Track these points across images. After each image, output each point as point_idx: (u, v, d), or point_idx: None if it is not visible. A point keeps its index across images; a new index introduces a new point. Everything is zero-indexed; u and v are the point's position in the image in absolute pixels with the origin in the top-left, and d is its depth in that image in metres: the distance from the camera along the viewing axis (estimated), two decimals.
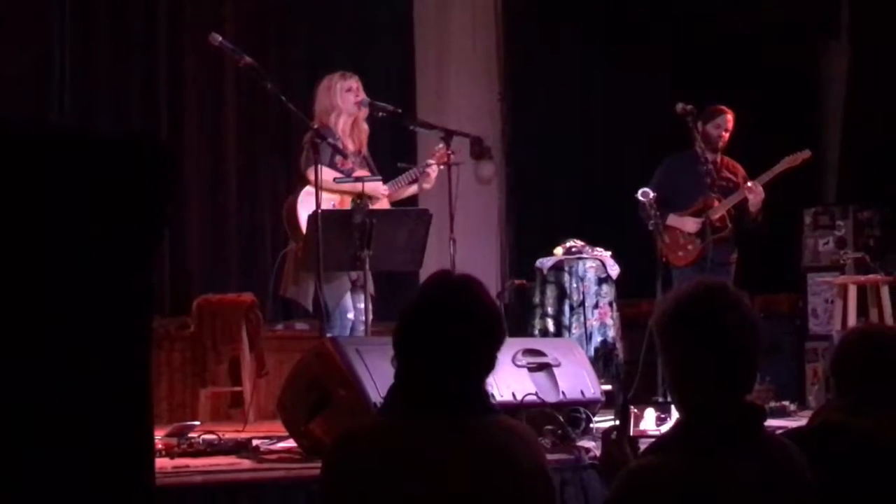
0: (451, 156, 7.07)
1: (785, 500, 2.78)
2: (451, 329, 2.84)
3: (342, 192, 6.89)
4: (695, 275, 7.41)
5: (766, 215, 7.98)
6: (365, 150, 7.20)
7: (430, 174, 7.18)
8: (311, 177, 6.83)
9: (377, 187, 7.02)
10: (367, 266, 6.59)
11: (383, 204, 7.09)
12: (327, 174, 6.70)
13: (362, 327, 6.88)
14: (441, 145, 7.15)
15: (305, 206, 6.81)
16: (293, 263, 6.98)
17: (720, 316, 2.78)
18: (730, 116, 7.95)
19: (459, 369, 2.85)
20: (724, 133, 7.93)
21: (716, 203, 7.80)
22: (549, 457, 4.82)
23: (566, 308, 8.17)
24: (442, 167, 7.09)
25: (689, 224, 7.92)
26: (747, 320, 2.82)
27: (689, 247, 7.93)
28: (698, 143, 7.93)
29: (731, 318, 2.79)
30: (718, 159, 7.98)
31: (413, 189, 7.28)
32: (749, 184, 7.82)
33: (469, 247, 8.58)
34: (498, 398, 5.31)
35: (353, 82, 7.13)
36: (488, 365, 2.90)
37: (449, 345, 2.83)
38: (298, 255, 6.86)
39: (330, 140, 6.77)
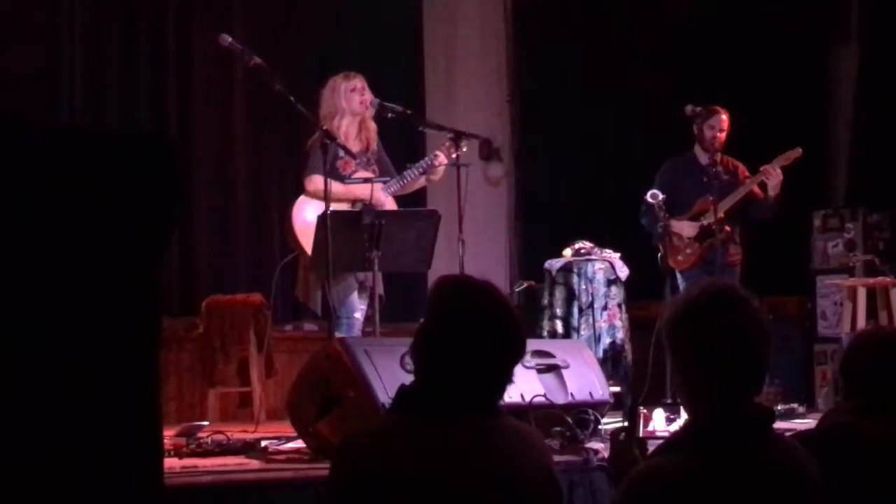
0: (460, 155, 7.05)
1: (793, 503, 2.78)
2: (479, 335, 2.84)
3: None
4: (699, 277, 7.40)
5: (775, 215, 7.97)
6: (374, 147, 7.18)
7: (437, 167, 7.13)
8: (309, 186, 6.89)
9: (378, 196, 6.95)
10: (376, 267, 6.59)
11: (391, 203, 7.09)
12: (323, 184, 6.57)
13: (368, 328, 6.89)
14: (450, 139, 7.13)
15: (299, 215, 6.85)
16: (302, 268, 6.99)
17: (729, 318, 2.78)
18: (724, 116, 7.91)
19: (481, 375, 2.85)
20: (718, 133, 7.89)
21: (713, 205, 7.75)
22: (558, 458, 4.84)
23: (575, 309, 8.17)
24: (453, 156, 7.05)
25: (687, 228, 7.91)
26: (756, 322, 2.81)
27: (688, 250, 7.91)
28: (697, 145, 7.94)
29: (739, 320, 2.79)
30: (718, 159, 7.94)
31: (422, 181, 7.26)
32: (765, 167, 7.77)
33: (478, 248, 8.59)
34: (506, 399, 5.29)
35: (358, 82, 7.12)
36: (507, 374, 2.90)
37: (475, 351, 2.83)
38: (304, 260, 6.86)
39: (339, 140, 6.76)
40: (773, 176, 7.75)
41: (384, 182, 7.02)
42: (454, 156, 7.05)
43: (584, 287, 8.18)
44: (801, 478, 2.81)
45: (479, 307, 2.87)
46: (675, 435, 2.97)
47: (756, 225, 8.08)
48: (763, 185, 7.85)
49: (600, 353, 7.95)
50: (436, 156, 7.12)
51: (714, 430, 2.77)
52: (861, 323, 8.18)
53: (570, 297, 8.20)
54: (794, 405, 7.79)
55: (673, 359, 2.88)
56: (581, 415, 5.84)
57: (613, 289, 8.22)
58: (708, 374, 2.79)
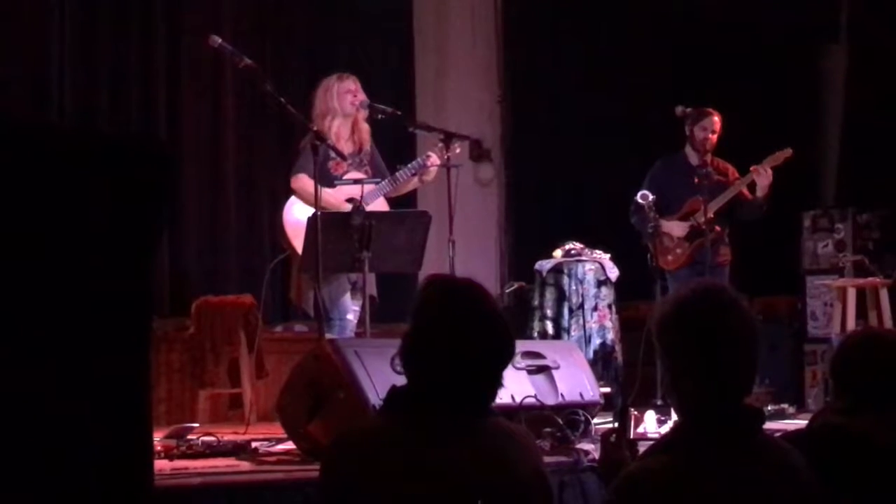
0: (451, 157, 7.04)
1: (784, 503, 2.78)
2: (465, 336, 2.83)
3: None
4: (689, 277, 7.41)
5: (764, 216, 7.97)
6: (367, 148, 7.18)
7: (430, 168, 7.12)
8: (294, 184, 6.90)
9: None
10: (367, 268, 6.59)
11: (382, 204, 7.08)
12: (312, 186, 6.51)
13: (360, 329, 6.88)
14: (441, 141, 7.12)
15: (290, 216, 6.86)
16: (295, 269, 6.99)
17: (719, 318, 2.78)
18: (716, 118, 7.91)
19: (470, 377, 2.85)
20: (710, 135, 7.89)
21: (703, 206, 7.75)
22: (548, 459, 4.84)
23: (565, 310, 8.17)
24: (446, 157, 7.04)
25: (676, 228, 7.91)
26: (746, 323, 2.82)
27: (678, 250, 7.92)
28: (689, 146, 7.95)
29: (729, 320, 2.79)
30: (709, 160, 7.94)
31: (415, 182, 7.25)
32: (756, 167, 7.77)
33: (468, 249, 8.59)
34: (497, 401, 5.29)
35: (351, 83, 7.12)
36: (496, 375, 2.90)
37: (461, 352, 2.83)
38: (297, 262, 6.86)
39: (329, 141, 6.76)
40: (764, 176, 7.75)
41: (375, 183, 7.01)
42: (446, 157, 7.04)
43: (574, 288, 8.18)
44: (792, 478, 2.81)
45: (465, 308, 2.87)
46: (665, 436, 2.97)
47: (745, 225, 8.08)
48: (751, 186, 7.86)
49: (591, 354, 7.96)
50: (428, 156, 7.12)
51: (704, 430, 2.77)
52: (851, 323, 8.19)
53: (561, 297, 8.20)
54: (784, 405, 7.80)
55: (663, 360, 2.89)
56: (571, 416, 5.84)
57: (604, 289, 8.22)
58: (698, 375, 2.79)
